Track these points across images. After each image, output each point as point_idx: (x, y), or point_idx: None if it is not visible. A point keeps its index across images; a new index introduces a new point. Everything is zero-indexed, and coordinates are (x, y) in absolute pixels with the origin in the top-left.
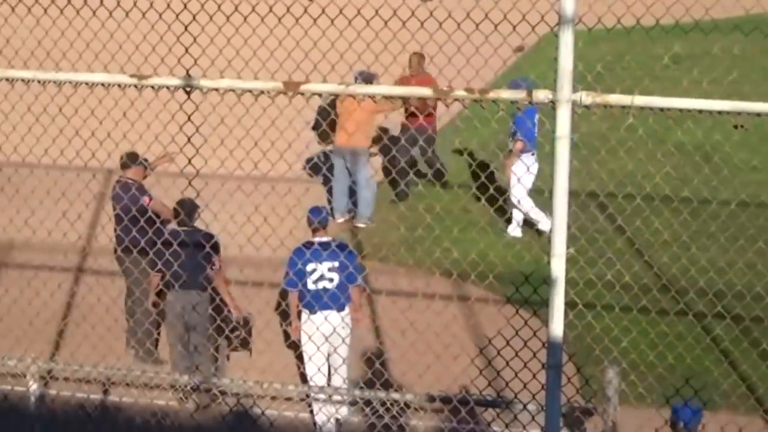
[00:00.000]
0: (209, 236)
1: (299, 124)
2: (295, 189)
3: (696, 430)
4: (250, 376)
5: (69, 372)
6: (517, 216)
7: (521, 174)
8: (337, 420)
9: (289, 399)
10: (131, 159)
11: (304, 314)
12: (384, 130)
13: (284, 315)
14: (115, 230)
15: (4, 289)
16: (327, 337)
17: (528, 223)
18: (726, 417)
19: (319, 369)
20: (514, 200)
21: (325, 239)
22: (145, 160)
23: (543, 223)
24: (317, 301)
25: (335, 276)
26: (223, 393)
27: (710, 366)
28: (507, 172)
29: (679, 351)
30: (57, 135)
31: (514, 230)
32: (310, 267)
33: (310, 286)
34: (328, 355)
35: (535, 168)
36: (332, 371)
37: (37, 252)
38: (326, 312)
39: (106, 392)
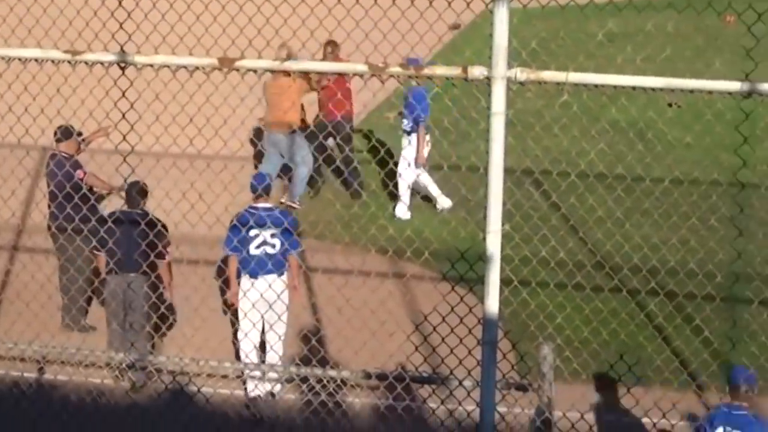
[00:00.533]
0: (155, 222)
1: (234, 101)
2: (231, 166)
3: (756, 390)
4: (186, 354)
5: (3, 350)
6: (406, 198)
7: (411, 157)
8: (273, 395)
9: (225, 376)
10: (64, 133)
11: (245, 279)
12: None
13: (222, 291)
14: (49, 207)
15: None
16: (260, 299)
17: (460, 202)
18: (659, 392)
19: (248, 336)
20: (408, 181)
21: (268, 205)
22: (80, 134)
23: (441, 200)
24: (259, 267)
25: (277, 242)
26: (159, 371)
27: (644, 342)
28: (421, 154)
29: (613, 327)
30: None
31: (404, 213)
32: (252, 233)
33: (252, 251)
34: (266, 324)
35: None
36: (269, 344)
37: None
38: (268, 277)
39: (41, 370)
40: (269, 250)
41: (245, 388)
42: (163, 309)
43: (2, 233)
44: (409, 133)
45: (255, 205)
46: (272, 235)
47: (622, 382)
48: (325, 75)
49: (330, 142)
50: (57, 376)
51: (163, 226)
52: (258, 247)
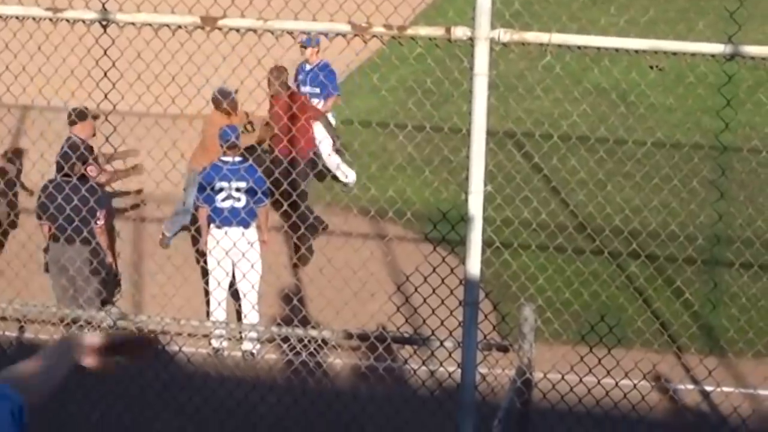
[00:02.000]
0: (93, 189)
1: (217, 60)
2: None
3: None
4: (168, 313)
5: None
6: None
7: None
8: (252, 355)
9: (206, 336)
10: (79, 115)
11: (213, 229)
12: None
13: (195, 241)
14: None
15: None
16: (227, 252)
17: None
18: (640, 353)
19: (221, 286)
20: (326, 157)
21: (237, 159)
22: (95, 116)
23: (350, 175)
24: (226, 219)
25: (242, 197)
26: (140, 330)
27: (625, 303)
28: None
29: (594, 289)
30: None
31: (351, 174)
32: (218, 185)
33: (219, 204)
34: (237, 274)
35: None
36: (241, 296)
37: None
38: (230, 228)
39: (21, 329)
40: (235, 204)
41: (210, 343)
42: (104, 275)
43: None
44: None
45: (224, 158)
46: (237, 189)
47: (602, 343)
48: (276, 96)
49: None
50: (37, 335)
51: (100, 190)
52: (224, 200)
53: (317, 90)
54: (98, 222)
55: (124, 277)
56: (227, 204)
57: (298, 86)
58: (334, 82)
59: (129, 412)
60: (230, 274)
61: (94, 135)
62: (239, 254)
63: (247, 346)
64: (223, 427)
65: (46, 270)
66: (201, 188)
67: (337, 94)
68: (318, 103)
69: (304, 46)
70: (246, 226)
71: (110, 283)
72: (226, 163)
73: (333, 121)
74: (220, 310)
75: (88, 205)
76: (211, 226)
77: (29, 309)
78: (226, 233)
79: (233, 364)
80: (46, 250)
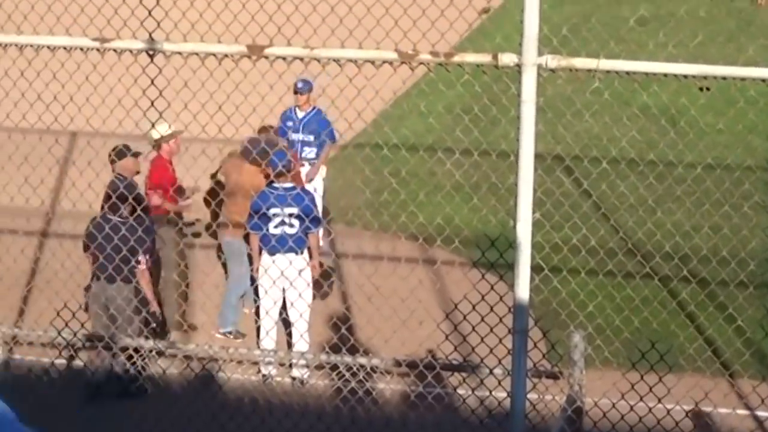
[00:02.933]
0: (134, 230)
1: (263, 88)
2: None
3: None
4: (217, 341)
5: (33, 337)
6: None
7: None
8: (301, 383)
9: (255, 363)
10: (118, 155)
11: (265, 257)
12: None
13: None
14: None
15: None
16: (290, 281)
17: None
18: (692, 380)
19: (269, 314)
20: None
21: (288, 185)
22: (136, 154)
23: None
24: (278, 245)
25: (296, 222)
26: (188, 358)
27: (676, 330)
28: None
29: (645, 315)
30: (18, 99)
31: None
32: (272, 211)
33: (272, 230)
34: (285, 301)
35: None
36: (291, 321)
37: (7, 218)
38: (287, 255)
39: (71, 357)
40: (288, 230)
41: (259, 370)
42: (144, 314)
43: (32, 220)
44: (311, 162)
45: (275, 184)
46: (290, 215)
47: (654, 369)
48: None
49: None
50: (87, 363)
51: (146, 229)
52: (277, 226)
53: (311, 138)
54: (139, 262)
55: (173, 305)
56: (279, 230)
57: (283, 133)
58: (330, 130)
59: None
60: (280, 302)
61: (137, 172)
62: (297, 283)
63: (296, 373)
64: None
65: (86, 309)
66: (250, 215)
67: (332, 142)
68: (310, 152)
69: (299, 93)
70: (297, 252)
71: (152, 322)
72: (276, 189)
73: (322, 187)
74: (268, 339)
75: (128, 245)
76: (264, 252)
77: (78, 337)
78: (274, 261)
79: (282, 392)
80: (87, 289)
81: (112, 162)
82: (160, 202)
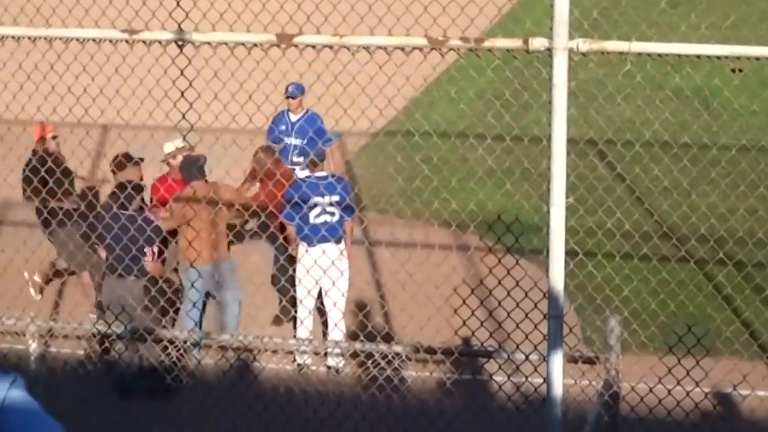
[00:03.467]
0: (142, 228)
1: (293, 77)
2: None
3: None
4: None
5: (69, 330)
6: None
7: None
8: (337, 371)
9: (290, 353)
10: (118, 165)
11: (302, 248)
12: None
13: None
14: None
15: (0, 249)
16: (325, 271)
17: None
18: (729, 363)
19: (303, 303)
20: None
21: (323, 173)
22: (136, 162)
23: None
24: (316, 235)
25: (335, 210)
26: (223, 348)
27: (713, 313)
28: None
29: (681, 298)
30: (49, 92)
31: None
32: (311, 201)
33: (312, 220)
34: (321, 291)
35: None
36: (329, 310)
37: (33, 211)
38: (324, 245)
39: (106, 350)
40: (327, 218)
41: (294, 360)
42: (162, 304)
43: None
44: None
45: (309, 173)
46: (330, 204)
47: (691, 353)
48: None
49: None
50: (122, 354)
51: (153, 225)
52: (318, 216)
53: (304, 141)
54: (146, 258)
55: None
56: (321, 220)
57: (276, 138)
58: (323, 132)
59: None
60: (316, 292)
61: (141, 179)
62: (335, 272)
63: (331, 362)
64: None
65: (98, 306)
66: (285, 204)
67: (335, 140)
68: (300, 158)
69: (290, 97)
70: (339, 241)
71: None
72: (309, 177)
73: None
74: (302, 329)
75: (138, 241)
76: (300, 242)
77: (113, 329)
78: (314, 249)
79: (317, 381)
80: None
81: (114, 173)
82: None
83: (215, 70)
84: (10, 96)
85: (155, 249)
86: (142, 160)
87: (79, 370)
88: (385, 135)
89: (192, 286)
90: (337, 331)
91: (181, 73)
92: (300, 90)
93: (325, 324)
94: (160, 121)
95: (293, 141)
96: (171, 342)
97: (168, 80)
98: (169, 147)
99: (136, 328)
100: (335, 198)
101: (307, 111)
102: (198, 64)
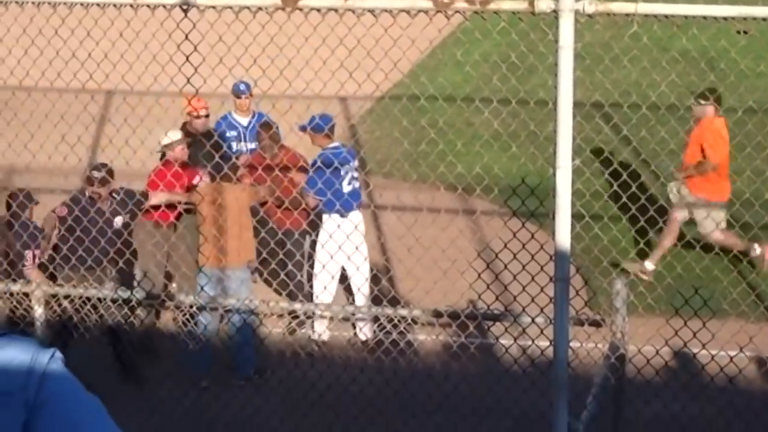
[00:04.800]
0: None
1: (298, 41)
2: (297, 106)
3: None
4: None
5: (74, 294)
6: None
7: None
8: (363, 342)
9: (296, 317)
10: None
11: (334, 218)
12: None
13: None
14: None
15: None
16: (348, 236)
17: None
18: (736, 325)
19: (335, 278)
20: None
21: (337, 143)
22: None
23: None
24: (349, 204)
25: (358, 175)
26: (228, 311)
27: (719, 275)
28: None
29: (687, 260)
30: (53, 57)
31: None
32: (343, 171)
33: (345, 188)
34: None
35: None
36: (352, 275)
37: (38, 176)
38: (353, 213)
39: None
40: (356, 184)
41: (312, 328)
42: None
43: (70, 178)
44: None
45: (329, 145)
46: (355, 169)
47: (697, 315)
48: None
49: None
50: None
51: (36, 227)
52: (349, 183)
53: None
54: (26, 262)
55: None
56: (351, 187)
57: (226, 143)
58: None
59: (220, 398)
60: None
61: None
62: (357, 242)
63: (362, 336)
64: (315, 408)
65: None
66: (313, 179)
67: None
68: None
69: (241, 96)
70: (359, 206)
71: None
72: (334, 149)
73: None
74: (326, 294)
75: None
76: (332, 213)
77: (119, 294)
78: (347, 219)
79: (324, 345)
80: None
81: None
82: (161, 199)
83: (220, 34)
84: (14, 61)
85: (36, 253)
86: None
87: (86, 335)
88: (391, 99)
89: (202, 289)
90: (360, 295)
91: (186, 38)
92: (249, 88)
93: (348, 290)
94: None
95: (248, 146)
96: (177, 307)
97: (172, 45)
98: (172, 136)
99: (149, 294)
100: (355, 164)
101: (256, 113)
102: (203, 28)
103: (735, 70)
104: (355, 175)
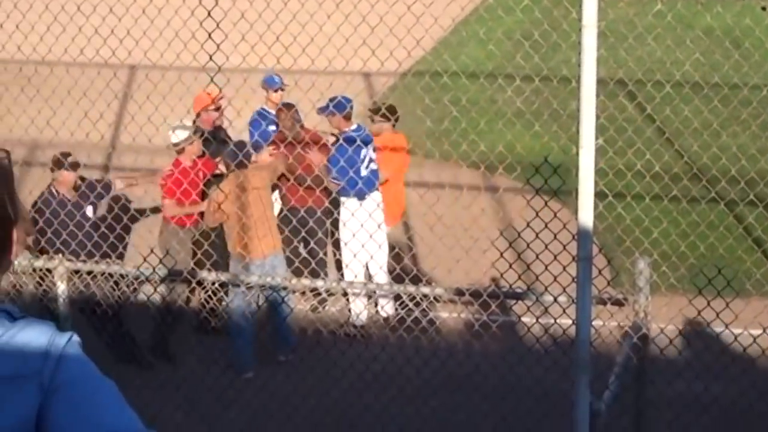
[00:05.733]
0: None
1: (321, 18)
2: (319, 83)
3: None
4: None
5: (97, 270)
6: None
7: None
8: (385, 320)
9: (318, 294)
10: (56, 163)
11: (353, 201)
12: None
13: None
14: None
15: (29, 190)
16: (371, 214)
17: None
18: (760, 304)
19: (357, 257)
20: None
21: (355, 125)
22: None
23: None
24: (369, 185)
25: (375, 157)
26: (250, 287)
27: (743, 255)
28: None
29: (711, 240)
30: (76, 33)
31: None
32: (362, 154)
33: (363, 172)
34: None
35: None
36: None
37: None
38: (374, 194)
39: (134, 291)
40: (373, 166)
41: (349, 309)
42: None
43: (92, 154)
44: None
45: (349, 127)
46: (373, 150)
47: (720, 295)
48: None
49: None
50: (150, 296)
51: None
52: (367, 166)
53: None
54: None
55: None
56: (368, 171)
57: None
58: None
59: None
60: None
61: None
62: (379, 221)
63: (383, 313)
64: (337, 386)
65: None
66: (336, 158)
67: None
68: None
69: (279, 89)
70: (379, 186)
71: None
72: (354, 132)
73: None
74: (349, 272)
75: None
76: (351, 196)
77: (141, 271)
78: (367, 201)
79: (345, 323)
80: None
81: (52, 170)
82: (175, 212)
83: (242, 11)
84: (37, 37)
85: None
86: (78, 166)
87: (108, 311)
88: (413, 76)
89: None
90: (382, 273)
91: (209, 14)
92: (282, 81)
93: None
94: (188, 62)
95: None
96: (200, 284)
97: (195, 22)
98: (183, 134)
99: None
100: (374, 145)
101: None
102: (225, 5)
103: (760, 48)
104: (373, 156)
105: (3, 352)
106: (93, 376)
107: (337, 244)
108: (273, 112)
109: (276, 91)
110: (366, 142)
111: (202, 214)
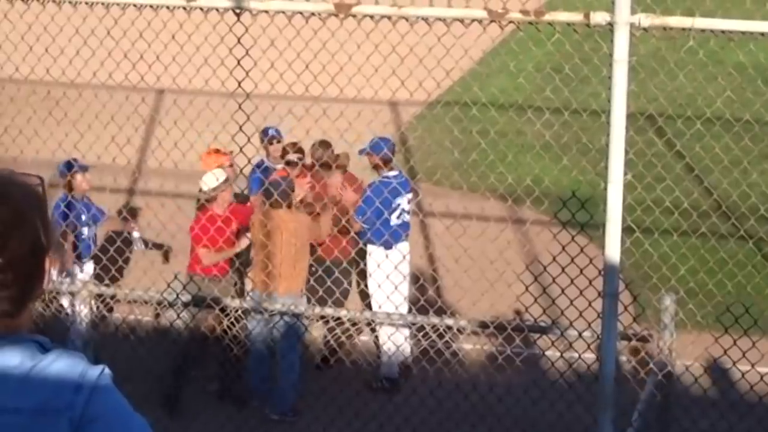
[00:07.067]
0: None
1: (350, 47)
2: (347, 112)
3: None
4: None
5: (121, 295)
6: None
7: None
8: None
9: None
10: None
11: (380, 250)
12: None
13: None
14: None
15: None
16: (396, 266)
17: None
18: None
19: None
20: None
21: (396, 172)
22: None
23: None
24: (397, 238)
25: (409, 208)
26: (272, 315)
27: None
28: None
29: (738, 278)
30: (105, 57)
31: None
32: (395, 203)
33: (393, 221)
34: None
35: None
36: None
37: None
38: (401, 245)
39: (157, 315)
40: (405, 217)
41: (376, 337)
42: None
43: (119, 179)
44: None
45: (387, 173)
46: (408, 202)
47: (747, 335)
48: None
49: None
50: (173, 322)
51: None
52: (399, 216)
53: None
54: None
55: None
56: (400, 220)
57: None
58: None
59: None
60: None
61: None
62: (405, 273)
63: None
64: (358, 416)
65: None
66: (362, 208)
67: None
68: None
69: (271, 142)
70: (408, 237)
71: None
72: (388, 177)
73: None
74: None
75: None
76: (378, 245)
77: (165, 296)
78: (393, 252)
79: (367, 352)
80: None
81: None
82: (212, 261)
83: (272, 38)
84: (66, 61)
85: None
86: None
87: (131, 336)
88: (442, 107)
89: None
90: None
91: (238, 41)
92: (280, 133)
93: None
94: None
95: None
96: (223, 310)
97: (224, 48)
98: (212, 181)
99: (198, 297)
100: (410, 195)
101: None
102: (255, 32)
103: None
104: (406, 208)
105: (34, 383)
106: (124, 412)
107: (363, 295)
108: (272, 163)
109: (272, 143)
110: (397, 194)
111: (229, 261)
